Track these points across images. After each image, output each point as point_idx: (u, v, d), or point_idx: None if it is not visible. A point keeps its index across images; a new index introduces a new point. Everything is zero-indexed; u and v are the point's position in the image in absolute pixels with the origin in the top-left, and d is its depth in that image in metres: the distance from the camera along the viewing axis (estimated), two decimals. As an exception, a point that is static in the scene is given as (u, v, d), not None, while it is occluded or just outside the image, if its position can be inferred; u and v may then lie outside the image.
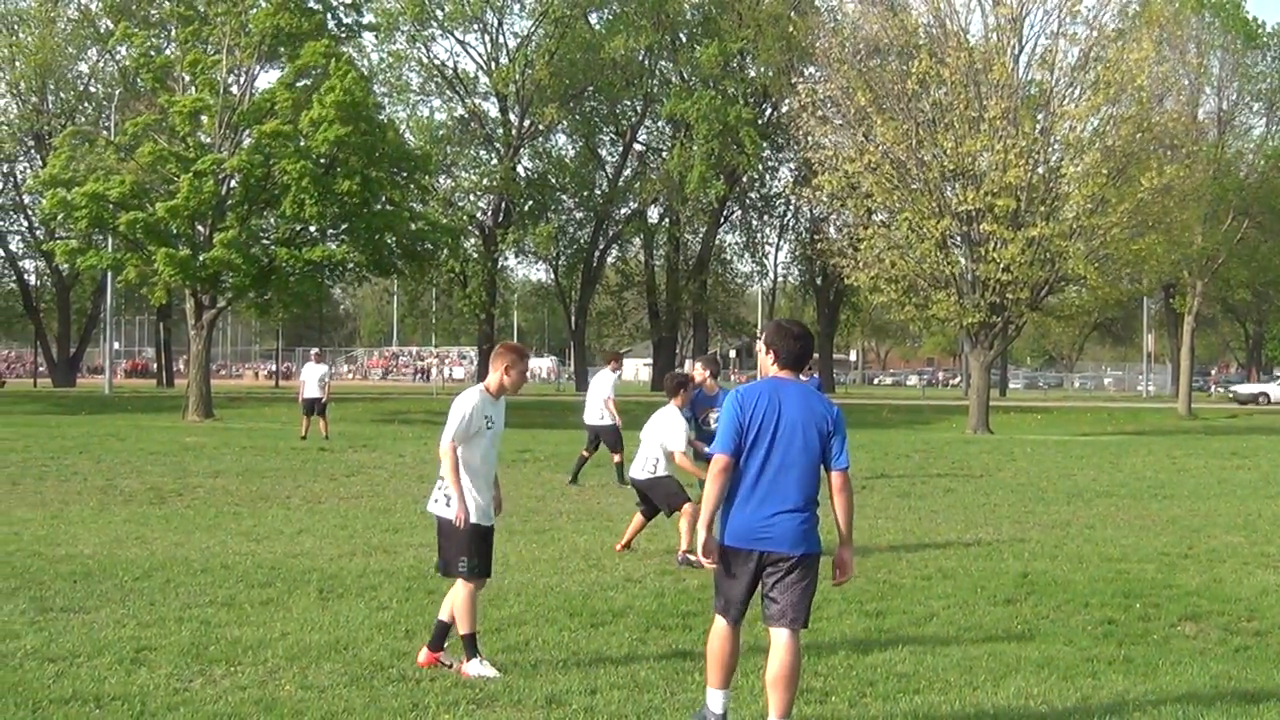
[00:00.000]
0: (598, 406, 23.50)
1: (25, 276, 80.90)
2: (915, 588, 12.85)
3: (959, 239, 45.66)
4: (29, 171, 73.17)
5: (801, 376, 8.12)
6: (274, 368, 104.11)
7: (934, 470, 27.81)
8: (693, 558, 13.74)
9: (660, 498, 14.69)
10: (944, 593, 12.57)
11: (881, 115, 43.95)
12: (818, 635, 10.39)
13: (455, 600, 9.32)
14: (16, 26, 73.63)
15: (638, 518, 15.13)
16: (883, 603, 11.99)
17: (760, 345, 8.10)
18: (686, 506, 14.34)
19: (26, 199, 74.38)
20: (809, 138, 48.58)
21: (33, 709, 8.16)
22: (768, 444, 7.71)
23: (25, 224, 78.41)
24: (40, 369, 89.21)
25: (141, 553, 14.35)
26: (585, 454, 23.73)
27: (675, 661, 9.62)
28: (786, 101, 66.67)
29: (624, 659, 9.70)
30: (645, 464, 14.75)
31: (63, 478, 22.85)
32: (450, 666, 9.30)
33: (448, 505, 9.34)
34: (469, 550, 9.29)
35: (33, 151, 74.92)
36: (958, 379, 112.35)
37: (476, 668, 9.11)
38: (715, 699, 7.83)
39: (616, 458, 23.01)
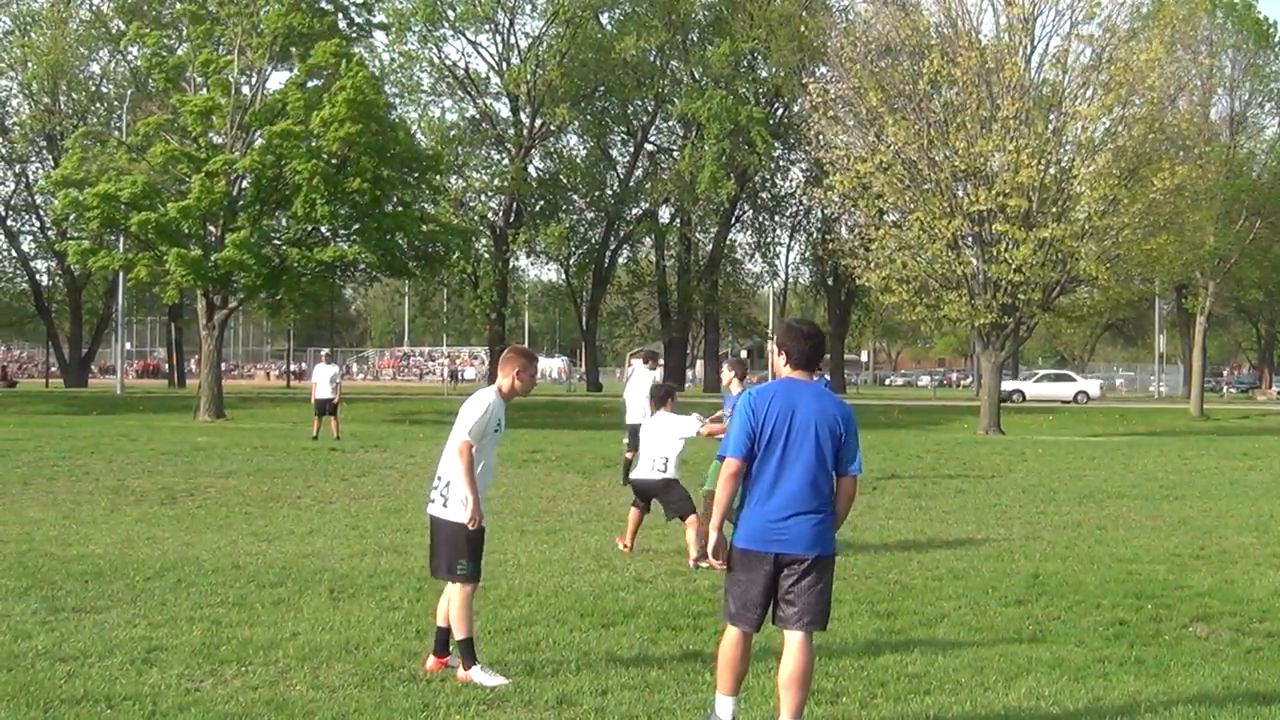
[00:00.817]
0: (639, 406, 23.31)
1: (37, 277, 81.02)
2: (926, 588, 12.85)
3: (970, 239, 45.59)
4: (41, 172, 73.34)
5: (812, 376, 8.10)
6: (285, 368, 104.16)
7: (945, 471, 27.79)
8: (704, 564, 13.71)
9: (671, 503, 14.72)
10: (955, 593, 12.56)
11: (893, 115, 43.89)
12: (829, 636, 10.33)
13: (452, 605, 9.31)
14: (29, 27, 73.78)
15: (633, 515, 15.22)
16: (894, 603, 11.99)
17: (772, 346, 8.07)
18: (691, 517, 14.41)
19: (39, 199, 74.52)
20: (820, 138, 48.52)
21: (44, 709, 8.18)
22: (782, 445, 7.69)
23: (37, 224, 78.59)
24: (52, 369, 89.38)
25: (153, 553, 14.38)
26: (629, 456, 23.52)
27: (686, 662, 9.61)
28: (798, 101, 66.68)
29: (635, 659, 9.70)
30: (654, 465, 14.76)
31: (74, 478, 22.89)
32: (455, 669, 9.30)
33: (444, 506, 9.35)
34: (469, 553, 9.28)
35: (45, 152, 75.09)
36: (969, 380, 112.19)
37: (480, 675, 9.04)
38: (725, 706, 7.82)
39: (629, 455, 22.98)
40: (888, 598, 12.28)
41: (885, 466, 28.12)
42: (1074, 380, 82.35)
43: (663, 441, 14.75)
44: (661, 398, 15.36)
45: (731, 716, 7.81)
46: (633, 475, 15.49)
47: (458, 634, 9.20)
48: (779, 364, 8.00)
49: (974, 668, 9.55)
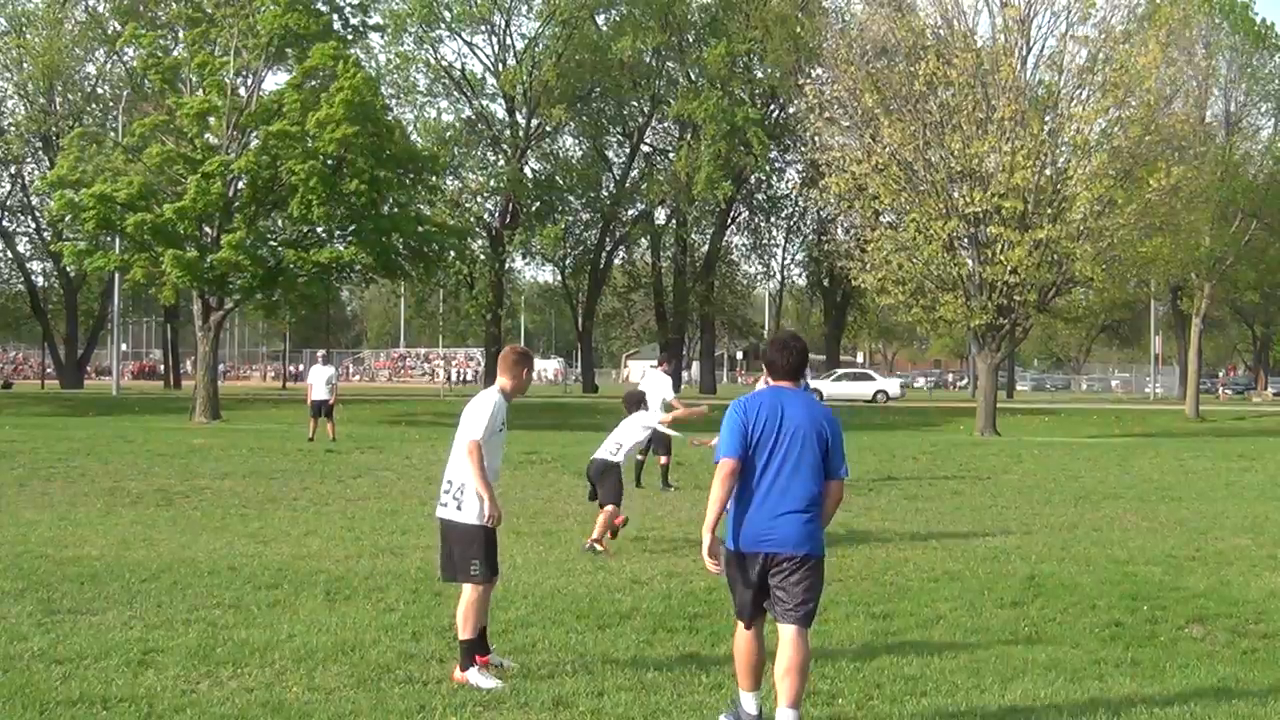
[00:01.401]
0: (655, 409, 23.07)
1: (33, 278, 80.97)
2: (922, 590, 12.85)
3: (966, 241, 45.58)
4: (37, 173, 73.29)
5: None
6: (281, 369, 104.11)
7: (941, 472, 27.77)
8: (599, 548, 14.91)
9: (603, 487, 15.58)
10: (951, 595, 12.57)
11: (889, 116, 43.88)
12: (825, 637, 10.41)
13: (461, 604, 9.32)
14: (24, 28, 73.71)
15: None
16: (890, 605, 12.00)
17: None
18: (613, 509, 15.32)
19: (34, 200, 74.51)
20: (816, 139, 48.53)
21: (40, 710, 8.19)
22: (770, 448, 7.90)
23: (33, 225, 78.53)
24: (48, 370, 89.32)
25: (148, 554, 14.37)
26: (663, 461, 23.45)
27: (682, 663, 9.62)
28: (794, 102, 66.67)
29: (631, 661, 9.71)
30: (608, 448, 15.93)
31: (70, 479, 22.87)
32: (502, 665, 9.36)
33: (458, 509, 9.35)
34: (482, 554, 9.31)
35: (40, 153, 75.04)
36: (965, 381, 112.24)
37: (477, 677, 9.05)
38: (748, 701, 8.01)
39: (664, 460, 23.04)
40: (884, 599, 12.29)
41: (881, 468, 28.12)
42: (873, 379, 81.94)
43: (627, 431, 16.01)
44: (632, 407, 16.84)
45: (757, 710, 7.97)
46: (595, 454, 16.12)
47: (462, 634, 9.22)
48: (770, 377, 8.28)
49: (970, 669, 9.55)
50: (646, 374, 24.47)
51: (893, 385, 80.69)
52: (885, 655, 9.96)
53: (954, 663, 9.76)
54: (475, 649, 9.20)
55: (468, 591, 9.30)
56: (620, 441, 15.84)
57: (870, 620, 11.33)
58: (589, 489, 16.04)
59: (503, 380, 9.67)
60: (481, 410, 9.38)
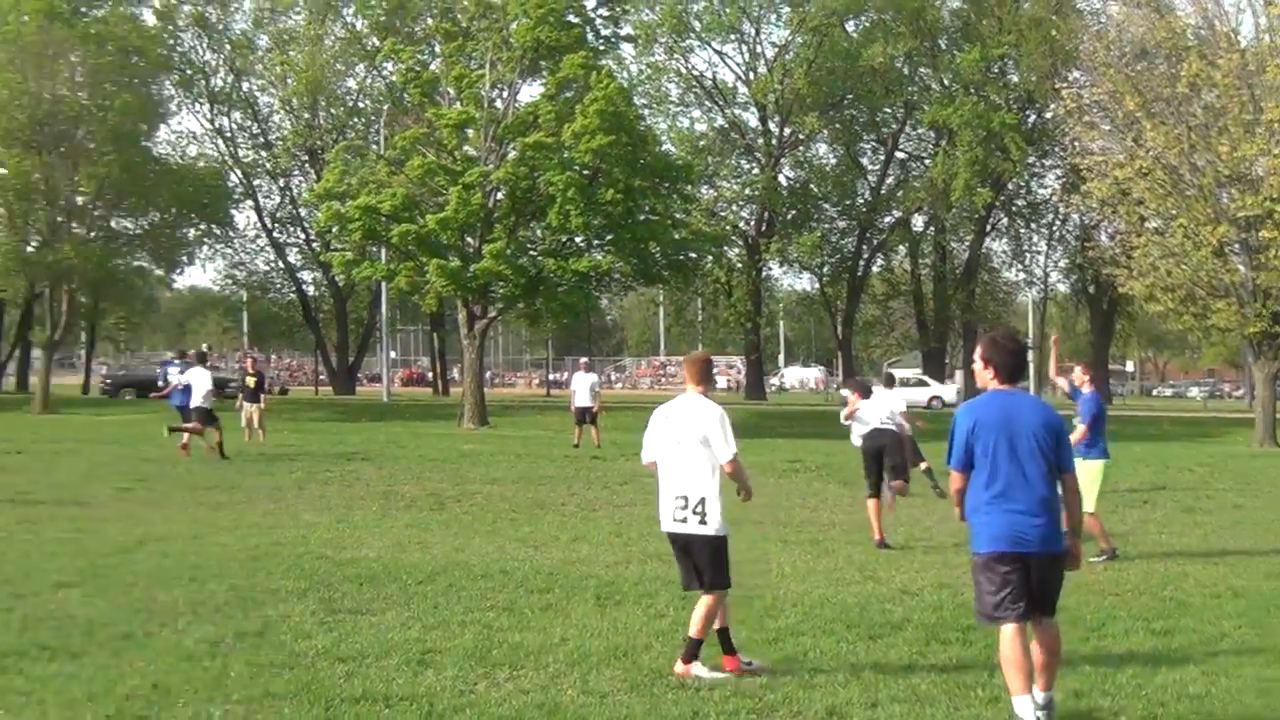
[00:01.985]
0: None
1: (304, 287, 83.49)
2: (1205, 606, 12.42)
3: (1237, 246, 44.03)
4: (303, 185, 75.66)
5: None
6: (545, 376, 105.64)
7: (1219, 485, 26.78)
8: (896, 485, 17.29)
9: (892, 458, 17.16)
10: (1235, 611, 12.12)
11: (1151, 119, 42.65)
12: (1103, 651, 10.19)
13: (705, 607, 9.52)
14: (287, 45, 76.19)
15: (871, 504, 16.69)
16: (1170, 621, 11.64)
17: (977, 360, 8.51)
18: (900, 485, 17.47)
19: (303, 211, 76.89)
20: (1076, 143, 47.49)
21: (325, 706, 8.45)
22: (1007, 451, 8.12)
23: (302, 236, 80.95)
24: (321, 377, 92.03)
25: (423, 557, 14.72)
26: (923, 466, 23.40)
27: (956, 675, 9.47)
28: (1051, 107, 65.33)
29: (903, 671, 9.61)
30: (879, 416, 17.60)
31: (346, 483, 23.57)
32: (750, 665, 9.54)
33: (702, 523, 9.53)
34: (727, 563, 9.67)
35: (307, 165, 77.42)
36: (1241, 391, 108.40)
37: (702, 670, 9.37)
38: (1023, 705, 7.95)
39: (924, 465, 22.86)
40: (1164, 615, 11.92)
41: (1155, 479, 27.32)
42: (928, 385, 76.96)
43: (890, 404, 18.07)
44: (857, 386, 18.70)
45: (1033, 714, 7.93)
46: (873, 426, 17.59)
47: (694, 632, 9.49)
48: (986, 377, 8.45)
49: (1259, 690, 9.20)
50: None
51: (948, 391, 76.81)
52: (1167, 672, 9.65)
53: (1241, 682, 9.40)
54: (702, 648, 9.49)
55: (716, 598, 9.54)
56: (891, 411, 17.44)
57: (1150, 636, 11.01)
58: (878, 466, 17.02)
59: (703, 386, 9.93)
60: (725, 422, 9.63)
